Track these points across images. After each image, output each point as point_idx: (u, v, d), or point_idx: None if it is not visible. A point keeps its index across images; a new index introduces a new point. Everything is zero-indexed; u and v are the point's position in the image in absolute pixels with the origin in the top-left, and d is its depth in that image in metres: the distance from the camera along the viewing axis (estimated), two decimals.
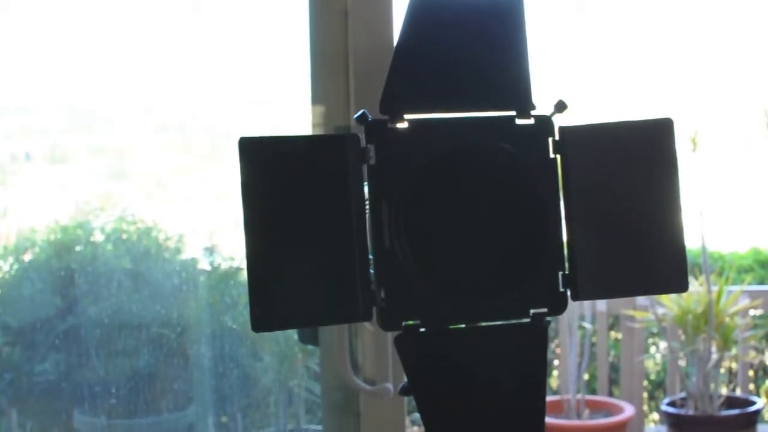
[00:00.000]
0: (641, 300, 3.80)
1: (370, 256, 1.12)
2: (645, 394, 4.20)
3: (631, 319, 3.89)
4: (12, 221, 2.34)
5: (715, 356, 3.62)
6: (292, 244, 1.10)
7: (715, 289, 3.66)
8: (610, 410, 3.73)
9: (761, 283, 4.48)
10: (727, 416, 3.58)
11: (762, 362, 4.42)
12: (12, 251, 2.31)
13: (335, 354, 1.55)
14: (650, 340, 4.39)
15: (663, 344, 4.33)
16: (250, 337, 2.34)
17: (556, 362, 4.09)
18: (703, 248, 3.63)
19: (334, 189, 1.11)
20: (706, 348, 3.60)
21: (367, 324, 1.53)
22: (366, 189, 1.13)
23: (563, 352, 3.88)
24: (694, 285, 3.70)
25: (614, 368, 4.27)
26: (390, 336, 1.50)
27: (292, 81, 1.98)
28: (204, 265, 2.40)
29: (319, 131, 1.60)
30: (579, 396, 3.71)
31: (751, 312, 3.95)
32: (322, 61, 1.59)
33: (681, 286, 1.20)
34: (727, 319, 3.66)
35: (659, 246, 1.18)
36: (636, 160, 1.20)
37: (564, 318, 3.78)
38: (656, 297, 3.62)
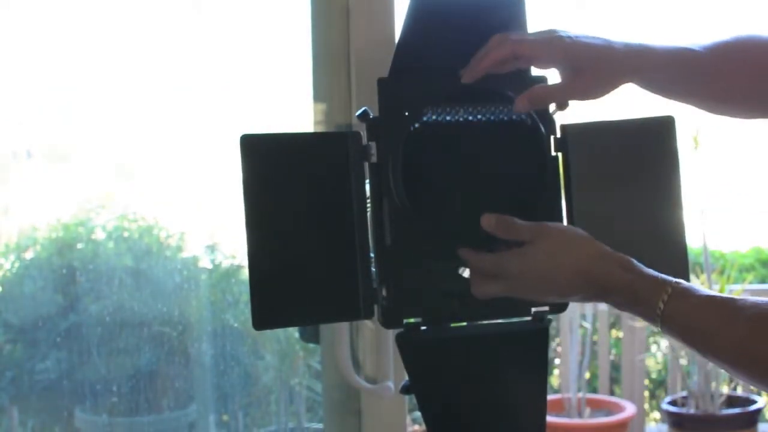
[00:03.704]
0: None
1: (372, 255, 1.12)
2: (646, 393, 4.20)
3: (633, 317, 3.88)
4: (13, 219, 2.34)
5: None
6: (294, 241, 1.10)
7: (716, 288, 3.65)
8: (611, 409, 3.73)
9: (762, 282, 4.48)
10: (728, 415, 3.57)
11: None
12: (13, 249, 2.31)
13: (336, 352, 1.54)
14: (651, 339, 4.39)
15: (664, 343, 4.32)
16: (251, 335, 2.34)
17: (557, 361, 4.09)
18: (705, 247, 3.63)
19: (336, 186, 1.10)
20: None
21: (368, 322, 1.53)
22: (367, 187, 1.12)
23: (564, 350, 3.88)
24: (696, 284, 3.69)
25: (615, 367, 4.27)
26: (391, 334, 1.50)
27: (294, 78, 1.98)
28: (205, 263, 2.40)
29: (321, 129, 1.60)
30: (580, 395, 3.71)
31: None
32: (323, 58, 1.59)
33: None
34: None
35: (660, 244, 1.18)
36: (637, 158, 1.20)
37: (565, 316, 3.78)
38: None
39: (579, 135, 1.17)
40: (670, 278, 1.03)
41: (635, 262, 1.05)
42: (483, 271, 1.09)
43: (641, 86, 1.14)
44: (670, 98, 1.15)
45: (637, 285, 1.03)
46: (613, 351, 4.27)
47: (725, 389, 4.00)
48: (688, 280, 1.15)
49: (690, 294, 1.01)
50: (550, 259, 1.05)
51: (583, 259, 1.05)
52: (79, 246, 2.29)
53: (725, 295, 1.01)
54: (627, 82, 1.12)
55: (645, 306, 1.02)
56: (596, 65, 1.09)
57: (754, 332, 0.96)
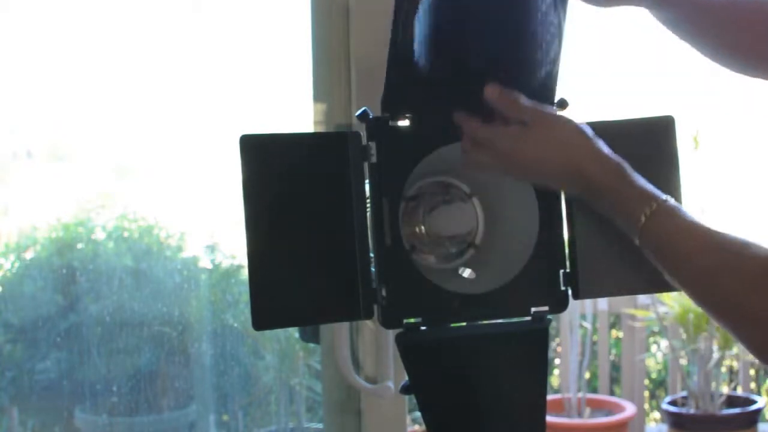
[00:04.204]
0: (642, 298, 3.80)
1: (371, 255, 1.12)
2: (646, 393, 4.20)
3: (633, 317, 3.88)
4: (13, 219, 2.34)
5: (716, 355, 3.62)
6: (293, 241, 1.10)
7: None
8: (611, 409, 3.73)
9: None
10: (728, 415, 3.57)
11: None
12: (13, 249, 2.31)
13: (336, 352, 1.54)
14: (651, 339, 4.39)
15: (664, 343, 4.32)
16: (251, 335, 2.34)
17: (557, 361, 4.09)
18: None
19: (335, 186, 1.10)
20: (707, 347, 3.60)
21: (368, 322, 1.53)
22: (367, 187, 1.12)
23: (564, 350, 3.88)
24: None
25: (615, 367, 4.27)
26: (391, 334, 1.50)
27: (294, 78, 1.98)
28: (205, 263, 2.40)
29: (321, 129, 1.60)
30: (580, 395, 3.71)
31: None
32: (323, 58, 1.59)
33: None
34: None
35: None
36: (637, 158, 1.20)
37: (565, 316, 3.78)
38: (657, 295, 3.62)
39: None
40: (659, 194, 1.00)
41: (629, 169, 1.02)
42: (474, 140, 1.06)
43: (653, 14, 1.14)
44: (677, 36, 1.14)
45: (624, 193, 1.00)
46: (613, 351, 4.27)
47: (725, 389, 4.00)
48: None
49: (675, 214, 0.98)
50: (543, 147, 1.03)
51: (576, 155, 1.03)
52: (79, 246, 2.29)
53: (712, 226, 0.97)
54: (637, 5, 1.12)
55: (627, 216, 1.00)
56: None
57: (726, 266, 0.92)
